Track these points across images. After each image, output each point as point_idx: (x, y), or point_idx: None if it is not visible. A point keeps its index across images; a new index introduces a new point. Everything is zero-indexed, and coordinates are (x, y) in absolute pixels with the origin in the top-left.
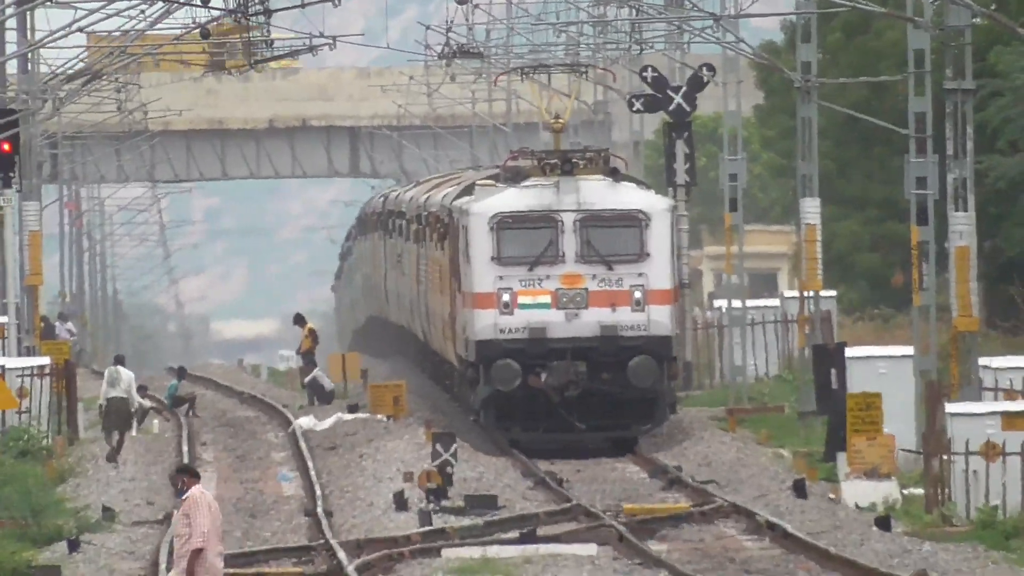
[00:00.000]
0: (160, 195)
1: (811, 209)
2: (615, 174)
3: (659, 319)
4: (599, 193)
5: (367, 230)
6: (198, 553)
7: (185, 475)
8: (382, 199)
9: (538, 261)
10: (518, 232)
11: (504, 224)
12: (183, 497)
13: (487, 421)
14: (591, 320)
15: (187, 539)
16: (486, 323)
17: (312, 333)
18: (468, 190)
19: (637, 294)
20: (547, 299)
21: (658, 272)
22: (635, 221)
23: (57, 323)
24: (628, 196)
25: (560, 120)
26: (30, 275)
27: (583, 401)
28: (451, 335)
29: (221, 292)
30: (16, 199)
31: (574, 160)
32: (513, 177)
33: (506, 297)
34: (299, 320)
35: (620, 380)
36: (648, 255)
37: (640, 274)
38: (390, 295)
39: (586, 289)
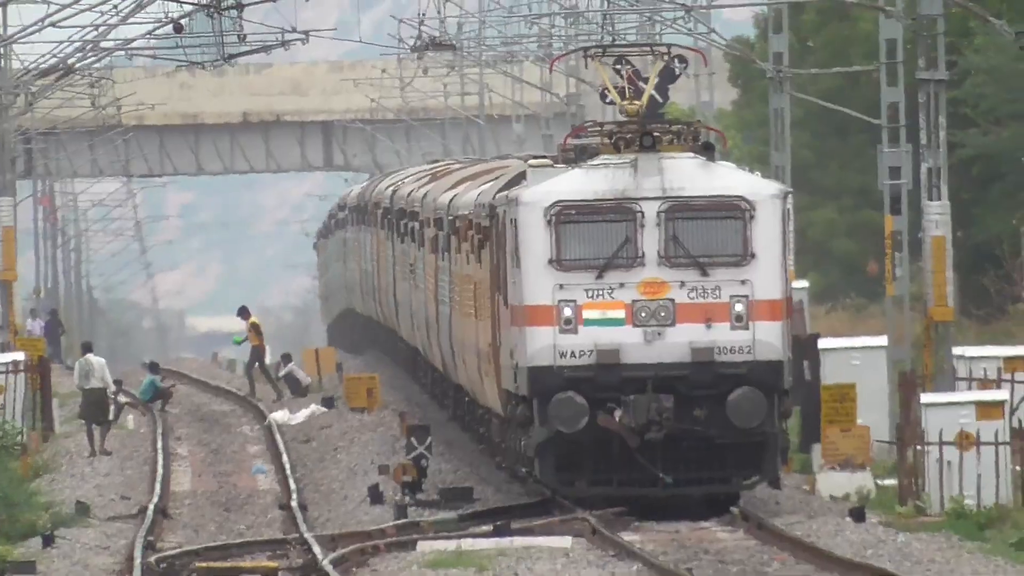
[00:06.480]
0: (135, 190)
1: None
2: (709, 151)
3: (767, 339)
4: (689, 175)
5: (367, 220)
6: None
7: None
8: (391, 191)
9: (610, 264)
10: (584, 227)
11: (565, 216)
12: None
13: (544, 473)
14: (679, 340)
15: None
16: (542, 345)
17: (255, 328)
18: (516, 180)
19: (739, 307)
20: (621, 313)
21: (766, 278)
22: (736, 211)
23: (28, 319)
24: (727, 179)
25: (637, 102)
26: (4, 271)
27: (669, 446)
28: (492, 369)
29: (196, 287)
30: None
31: (656, 133)
32: (577, 157)
33: (568, 311)
34: (243, 313)
35: (717, 419)
36: (753, 256)
37: (743, 281)
38: (401, 308)
39: (672, 300)
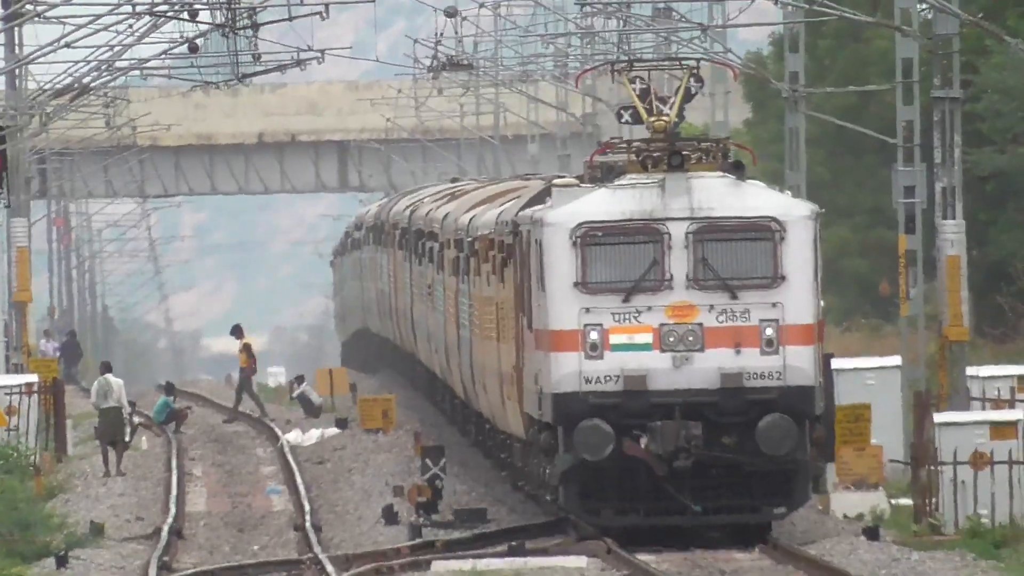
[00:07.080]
0: (149, 210)
1: None
2: (739, 170)
3: (799, 364)
4: (718, 195)
5: (384, 241)
6: None
7: None
8: (408, 211)
9: (637, 287)
10: (610, 248)
11: (591, 238)
12: None
13: (568, 501)
14: (708, 366)
15: None
16: (567, 371)
17: (247, 348)
18: (540, 197)
19: (769, 331)
20: (648, 338)
21: (798, 301)
22: (767, 232)
23: (42, 340)
24: (757, 199)
25: (664, 118)
26: (19, 291)
27: (697, 474)
28: (515, 392)
29: (211, 307)
30: (4, 215)
31: (684, 152)
32: (603, 176)
33: (594, 336)
34: (236, 332)
35: (747, 446)
36: (784, 278)
37: (774, 304)
38: (418, 331)
39: (701, 324)
